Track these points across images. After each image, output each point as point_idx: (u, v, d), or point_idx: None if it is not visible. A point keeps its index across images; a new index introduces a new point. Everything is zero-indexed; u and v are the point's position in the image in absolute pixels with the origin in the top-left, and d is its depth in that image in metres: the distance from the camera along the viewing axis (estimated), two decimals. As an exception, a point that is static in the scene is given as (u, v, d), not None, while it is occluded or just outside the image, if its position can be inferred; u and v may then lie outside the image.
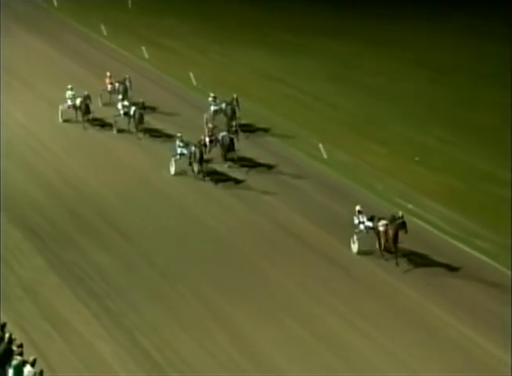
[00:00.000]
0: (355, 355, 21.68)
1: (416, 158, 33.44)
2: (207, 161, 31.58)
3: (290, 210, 29.29)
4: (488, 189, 31.06)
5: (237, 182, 30.98)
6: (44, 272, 25.22)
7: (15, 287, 24.17)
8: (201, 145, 31.09)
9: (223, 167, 31.79)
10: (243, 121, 35.53)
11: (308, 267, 25.73)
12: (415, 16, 53.63)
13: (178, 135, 31.83)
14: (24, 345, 19.48)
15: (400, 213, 25.80)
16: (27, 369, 18.43)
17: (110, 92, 37.46)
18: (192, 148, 30.92)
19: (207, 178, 30.92)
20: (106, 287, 24.67)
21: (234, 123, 33.63)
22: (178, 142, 31.63)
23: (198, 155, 30.65)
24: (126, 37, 48.48)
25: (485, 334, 22.29)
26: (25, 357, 18.89)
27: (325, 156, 33.34)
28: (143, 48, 45.48)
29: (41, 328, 22.52)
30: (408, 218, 26.16)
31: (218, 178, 31.15)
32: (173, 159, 31.46)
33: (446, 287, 24.67)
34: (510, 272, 25.35)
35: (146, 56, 45.26)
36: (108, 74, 38.04)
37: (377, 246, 25.94)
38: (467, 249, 27.03)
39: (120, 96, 35.67)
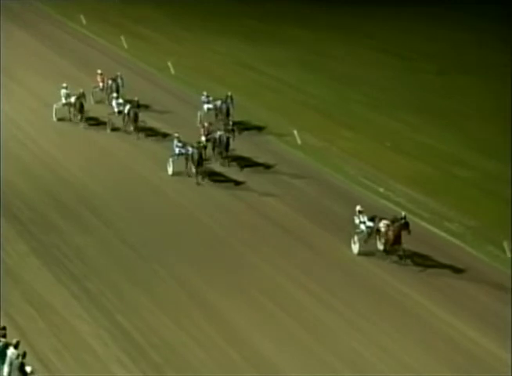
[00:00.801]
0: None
1: (388, 144, 33.41)
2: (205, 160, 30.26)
3: (266, 195, 29.14)
4: (456, 172, 31.18)
5: (237, 183, 29.90)
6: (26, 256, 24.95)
7: (-4, 271, 23.88)
8: (200, 147, 29.66)
9: (219, 166, 30.76)
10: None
11: (286, 251, 25.60)
12: (385, 5, 53.45)
13: (176, 135, 30.56)
14: (7, 328, 19.31)
15: (403, 213, 24.93)
16: (11, 351, 18.27)
17: (102, 90, 36.19)
18: (190, 149, 29.61)
19: (206, 180, 29.72)
20: (86, 269, 24.48)
21: (231, 122, 32.65)
22: (176, 142, 30.30)
23: (196, 156, 29.30)
24: (105, 27, 47.99)
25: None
26: (8, 339, 18.74)
27: (299, 142, 33.22)
28: (122, 37, 44.96)
29: (23, 311, 22.32)
30: (381, 202, 26.06)
31: (216, 178, 30.05)
32: (171, 159, 30.16)
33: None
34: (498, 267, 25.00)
35: (125, 45, 44.74)
36: (99, 71, 36.70)
37: (379, 246, 25.07)
38: (436, 230, 27.07)
39: (114, 94, 34.50)
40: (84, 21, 48.86)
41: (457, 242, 26.46)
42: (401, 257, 24.65)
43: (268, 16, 51.02)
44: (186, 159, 29.75)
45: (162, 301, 23.12)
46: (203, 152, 29.59)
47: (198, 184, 29.43)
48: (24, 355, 18.37)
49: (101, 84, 36.28)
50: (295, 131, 33.28)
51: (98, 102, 35.99)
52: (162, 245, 25.77)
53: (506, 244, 25.49)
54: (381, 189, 29.30)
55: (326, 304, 23.12)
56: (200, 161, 29.28)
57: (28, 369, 18.32)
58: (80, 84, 35.76)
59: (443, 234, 26.80)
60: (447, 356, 20.89)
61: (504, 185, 29.91)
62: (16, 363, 18.09)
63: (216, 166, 30.72)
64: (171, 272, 24.42)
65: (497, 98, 37.09)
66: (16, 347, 18.44)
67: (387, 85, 39.57)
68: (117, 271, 24.46)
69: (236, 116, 34.42)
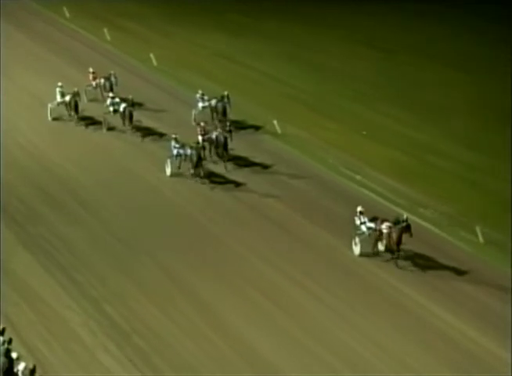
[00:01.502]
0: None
1: (364, 132, 33.48)
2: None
3: (245, 182, 29.09)
4: (431, 161, 31.20)
5: (237, 183, 29.04)
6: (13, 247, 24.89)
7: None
8: (199, 147, 28.96)
9: (216, 166, 29.89)
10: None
11: (261, 234, 25.57)
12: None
13: (173, 135, 29.62)
14: (-5, 317, 19.30)
15: (405, 216, 24.30)
16: (-4, 337, 18.23)
17: (95, 88, 35.22)
18: (189, 150, 28.72)
19: (205, 181, 28.89)
20: (74, 259, 24.50)
21: (228, 122, 31.35)
22: (173, 143, 29.31)
23: (195, 158, 28.47)
24: (88, 20, 47.44)
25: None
26: (-5, 328, 18.71)
27: (279, 131, 33.22)
28: (105, 30, 44.64)
29: (10, 299, 22.37)
30: (359, 190, 25.96)
31: (215, 180, 29.16)
32: (169, 160, 29.31)
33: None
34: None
35: (108, 37, 44.41)
36: (91, 69, 35.78)
37: (380, 247, 24.47)
38: (412, 217, 27.11)
39: (110, 94, 33.49)
40: (67, 14, 48.37)
41: (431, 228, 26.55)
42: (392, 253, 24.06)
43: (252, 11, 50.70)
44: (184, 160, 29.00)
45: (149, 290, 23.18)
46: (201, 153, 28.91)
47: (201, 181, 28.72)
48: (10, 341, 18.39)
49: (93, 83, 35.44)
50: (275, 122, 33.25)
51: (91, 100, 35.22)
52: (151, 237, 25.71)
53: (478, 230, 25.60)
54: (358, 177, 29.34)
55: (313, 293, 22.95)
56: (198, 162, 28.57)
57: (14, 355, 18.34)
58: (65, 79, 35.51)
59: (417, 220, 26.80)
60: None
61: (477, 173, 30.04)
62: (2, 349, 18.10)
63: (214, 166, 29.90)
64: (158, 263, 24.41)
65: (476, 91, 37.06)
66: (1, 333, 18.44)
67: (369, 77, 39.48)
68: (105, 262, 24.49)
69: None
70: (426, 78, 39.02)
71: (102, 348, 20.77)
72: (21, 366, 17.96)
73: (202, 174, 28.85)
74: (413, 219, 26.89)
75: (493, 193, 28.42)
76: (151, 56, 40.84)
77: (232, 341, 21.12)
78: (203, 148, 29.37)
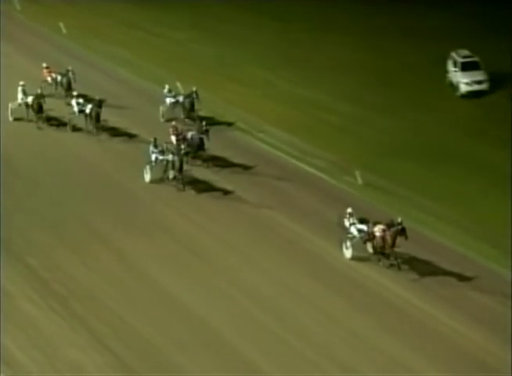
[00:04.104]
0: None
1: (260, 92, 33.38)
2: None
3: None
4: (318, 115, 31.50)
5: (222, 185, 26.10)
6: None
7: None
8: (182, 154, 25.22)
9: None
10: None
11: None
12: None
13: (151, 139, 25.73)
14: None
15: (399, 219, 21.19)
16: None
17: (51, 84, 31.40)
18: (170, 156, 25.07)
19: (189, 187, 25.43)
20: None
21: (204, 122, 27.38)
22: (151, 148, 25.47)
23: (178, 164, 24.79)
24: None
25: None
26: None
27: (182, 91, 32.82)
28: (61, 24, 41.87)
29: None
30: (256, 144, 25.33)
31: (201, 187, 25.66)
32: (148, 166, 25.46)
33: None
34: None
35: (18, 7, 41.97)
36: (44, 64, 32.10)
37: (370, 249, 21.61)
38: (302, 165, 27.38)
39: (74, 93, 29.64)
40: (17, 6, 45.55)
41: (318, 173, 26.92)
42: (383, 255, 21.44)
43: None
44: (166, 166, 25.23)
45: (68, 242, 22.87)
46: (183, 158, 25.27)
47: (183, 188, 25.09)
48: None
49: (49, 79, 31.70)
50: (178, 83, 32.66)
51: (49, 96, 30.49)
52: (75, 197, 24.99)
53: (357, 174, 26.09)
54: (256, 132, 29.29)
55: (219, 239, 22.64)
56: (181, 168, 24.91)
57: None
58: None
59: (308, 168, 27.16)
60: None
61: (357, 125, 30.44)
62: None
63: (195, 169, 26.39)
64: (80, 218, 23.90)
65: (357, 53, 37.21)
66: None
67: (265, 44, 39.26)
68: (28, 219, 23.92)
69: (122, 72, 33.11)
70: (315, 43, 38.95)
71: (23, 296, 20.50)
72: None
73: (184, 180, 25.20)
74: (303, 168, 27.23)
75: (371, 142, 28.99)
76: (60, 25, 39.39)
77: (147, 285, 21.08)
78: (187, 153, 25.80)
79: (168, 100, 29.96)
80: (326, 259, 22.01)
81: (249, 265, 21.83)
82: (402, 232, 20.90)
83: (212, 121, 29.44)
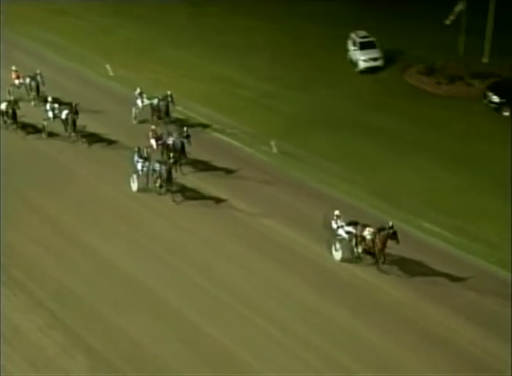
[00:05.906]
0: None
1: (183, 71, 33.12)
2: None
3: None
4: (236, 92, 31.80)
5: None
6: None
7: None
8: (170, 163, 23.68)
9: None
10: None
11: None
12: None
13: (136, 148, 23.93)
14: None
15: (390, 223, 19.78)
16: None
17: (19, 87, 29.49)
18: (157, 165, 23.29)
19: (178, 195, 23.52)
20: None
21: (185, 128, 25.46)
22: (136, 158, 23.74)
23: (165, 174, 23.08)
24: None
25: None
26: None
27: (111, 73, 32.25)
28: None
29: None
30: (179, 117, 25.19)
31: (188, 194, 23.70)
32: (134, 176, 23.70)
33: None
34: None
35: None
36: (13, 67, 30.19)
37: (358, 250, 20.15)
38: (221, 136, 27.50)
39: (49, 98, 27.64)
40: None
41: (237, 144, 27.33)
42: (372, 255, 20.10)
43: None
44: (152, 175, 23.52)
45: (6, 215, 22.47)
46: (172, 168, 23.64)
47: (174, 199, 23.25)
48: None
49: (17, 82, 29.91)
50: (108, 66, 32.50)
51: (18, 100, 28.39)
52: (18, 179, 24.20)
53: (273, 144, 26.59)
54: (179, 108, 29.14)
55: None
56: (169, 178, 23.24)
57: None
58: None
59: (226, 139, 27.40)
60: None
61: (272, 100, 30.93)
62: None
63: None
64: (19, 195, 23.34)
65: (272, 35, 37.46)
66: None
67: (182, 27, 38.87)
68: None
69: (56, 58, 32.49)
70: (230, 26, 38.82)
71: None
72: None
73: (173, 189, 23.52)
74: (224, 139, 27.28)
75: (284, 115, 29.43)
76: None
77: (89, 255, 20.89)
78: (175, 162, 24.32)
79: (139, 102, 28.32)
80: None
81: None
82: (394, 236, 19.48)
83: (186, 123, 27.67)
